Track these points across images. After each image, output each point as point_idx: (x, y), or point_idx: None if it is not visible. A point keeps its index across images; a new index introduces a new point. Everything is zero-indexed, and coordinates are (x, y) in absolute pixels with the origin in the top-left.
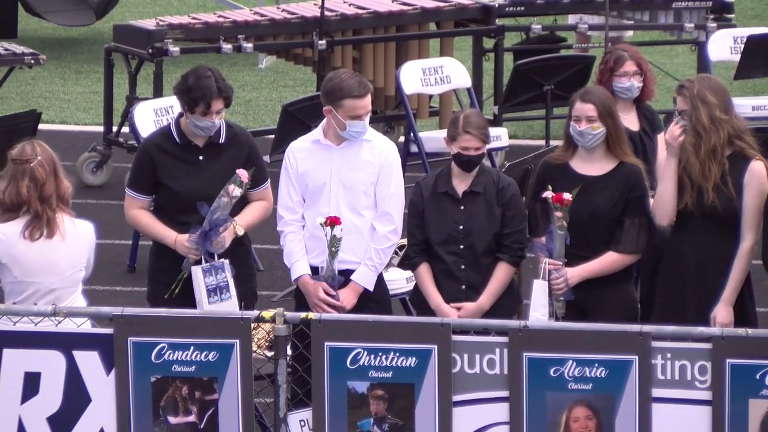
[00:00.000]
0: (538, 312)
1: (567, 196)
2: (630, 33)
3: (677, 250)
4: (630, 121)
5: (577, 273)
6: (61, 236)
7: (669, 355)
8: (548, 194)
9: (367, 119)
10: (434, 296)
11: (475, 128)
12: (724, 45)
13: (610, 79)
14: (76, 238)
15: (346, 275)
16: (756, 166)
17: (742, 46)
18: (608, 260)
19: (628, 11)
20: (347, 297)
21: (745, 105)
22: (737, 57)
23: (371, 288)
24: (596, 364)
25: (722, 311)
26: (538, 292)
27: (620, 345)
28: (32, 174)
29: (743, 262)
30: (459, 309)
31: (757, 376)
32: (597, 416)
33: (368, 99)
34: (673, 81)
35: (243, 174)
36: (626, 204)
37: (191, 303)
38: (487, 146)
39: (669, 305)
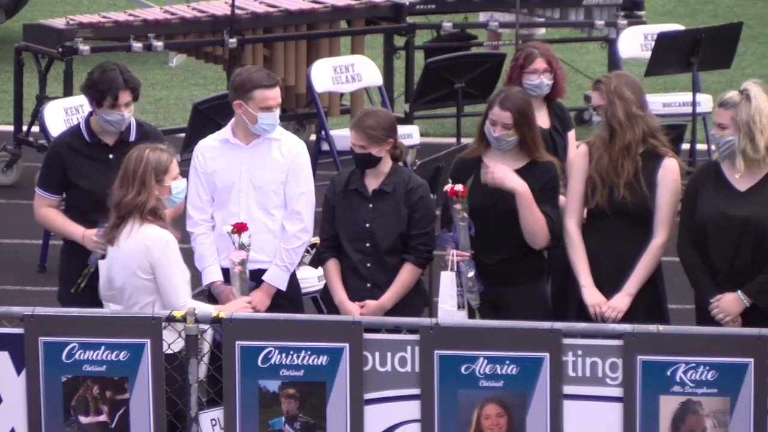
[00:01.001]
0: (447, 303)
1: (459, 187)
2: (541, 30)
3: (592, 248)
4: (541, 118)
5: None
6: (118, 242)
7: (580, 352)
8: (447, 187)
9: (277, 113)
10: (339, 292)
11: (361, 127)
12: (635, 42)
13: (521, 76)
14: (130, 243)
15: (258, 275)
16: (669, 163)
17: (653, 43)
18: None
19: (539, 9)
20: (260, 299)
21: (656, 102)
22: (648, 54)
23: (283, 288)
24: (507, 362)
25: (619, 299)
26: (446, 284)
27: (531, 342)
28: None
29: (651, 257)
30: (362, 307)
31: (668, 373)
32: (508, 413)
33: (278, 91)
34: (584, 78)
35: None
36: (540, 193)
37: (97, 298)
38: (377, 149)
39: (585, 303)
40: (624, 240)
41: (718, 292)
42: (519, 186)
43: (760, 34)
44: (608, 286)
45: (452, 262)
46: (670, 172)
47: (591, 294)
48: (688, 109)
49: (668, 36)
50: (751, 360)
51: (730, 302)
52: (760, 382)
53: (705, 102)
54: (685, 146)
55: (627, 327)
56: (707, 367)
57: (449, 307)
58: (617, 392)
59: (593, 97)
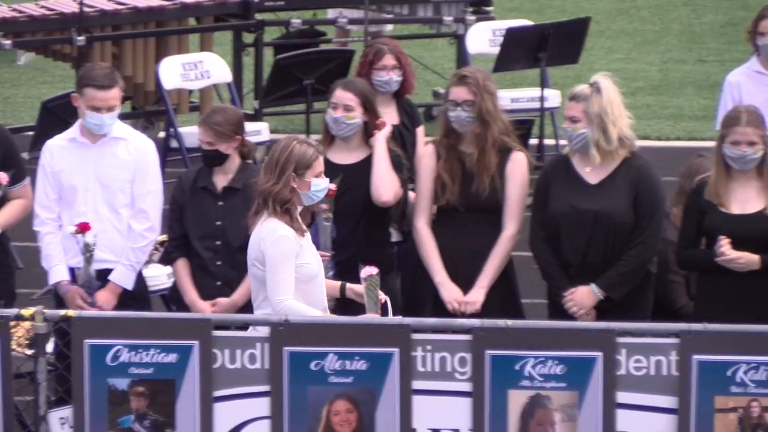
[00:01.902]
0: None
1: (331, 186)
2: (390, 27)
3: (445, 245)
4: (390, 114)
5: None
6: (252, 230)
7: (429, 347)
8: None
9: (109, 115)
10: (189, 292)
11: (209, 124)
12: (483, 38)
13: (370, 72)
14: (255, 233)
15: (105, 274)
16: (518, 156)
17: (501, 38)
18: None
19: (387, 5)
20: (106, 299)
21: (505, 97)
22: (496, 50)
23: (130, 287)
24: (357, 357)
25: (474, 293)
26: None
27: (381, 338)
28: None
29: (502, 249)
30: (214, 305)
31: (517, 367)
32: (358, 409)
33: (111, 94)
34: (432, 75)
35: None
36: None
37: None
38: (225, 145)
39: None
40: (478, 235)
41: (571, 285)
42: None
43: (608, 29)
44: (465, 281)
45: None
46: (518, 165)
47: (448, 290)
48: (537, 105)
49: (516, 31)
50: (600, 354)
51: (583, 295)
52: (608, 376)
53: (553, 97)
54: (534, 141)
55: (475, 322)
56: (555, 362)
57: None
58: (466, 387)
59: (458, 92)
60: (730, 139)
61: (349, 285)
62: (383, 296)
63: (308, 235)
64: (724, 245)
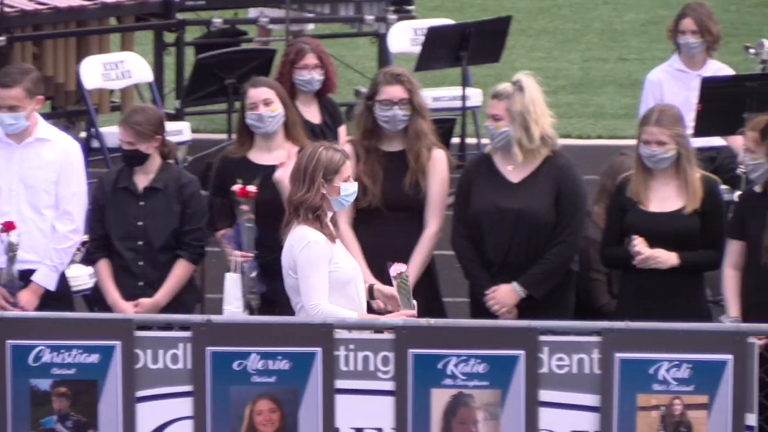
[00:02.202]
0: (232, 305)
1: (252, 188)
2: (311, 26)
3: (368, 244)
4: (311, 113)
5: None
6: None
7: (352, 347)
8: (235, 188)
9: (9, 115)
10: (111, 292)
11: (129, 123)
12: (405, 37)
13: (291, 71)
14: (287, 242)
15: (28, 275)
16: (437, 154)
17: (423, 37)
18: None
19: (308, 4)
20: (28, 299)
21: (426, 96)
22: (418, 48)
23: (53, 288)
24: (280, 357)
25: None
26: (231, 285)
27: (304, 337)
28: None
29: (425, 247)
30: (137, 305)
31: (439, 366)
32: (281, 409)
33: (10, 93)
34: (354, 74)
35: None
36: None
37: None
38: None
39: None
40: (401, 233)
41: (493, 284)
42: None
43: (529, 27)
44: (390, 280)
45: (236, 263)
46: (438, 163)
47: (376, 289)
48: (458, 104)
49: (438, 30)
50: (522, 352)
51: (505, 294)
52: (531, 374)
53: (475, 96)
54: (455, 140)
55: (398, 320)
56: (478, 360)
57: (234, 308)
58: (389, 386)
59: (394, 91)
60: (642, 138)
61: (377, 286)
62: (413, 302)
63: (339, 240)
64: (637, 244)
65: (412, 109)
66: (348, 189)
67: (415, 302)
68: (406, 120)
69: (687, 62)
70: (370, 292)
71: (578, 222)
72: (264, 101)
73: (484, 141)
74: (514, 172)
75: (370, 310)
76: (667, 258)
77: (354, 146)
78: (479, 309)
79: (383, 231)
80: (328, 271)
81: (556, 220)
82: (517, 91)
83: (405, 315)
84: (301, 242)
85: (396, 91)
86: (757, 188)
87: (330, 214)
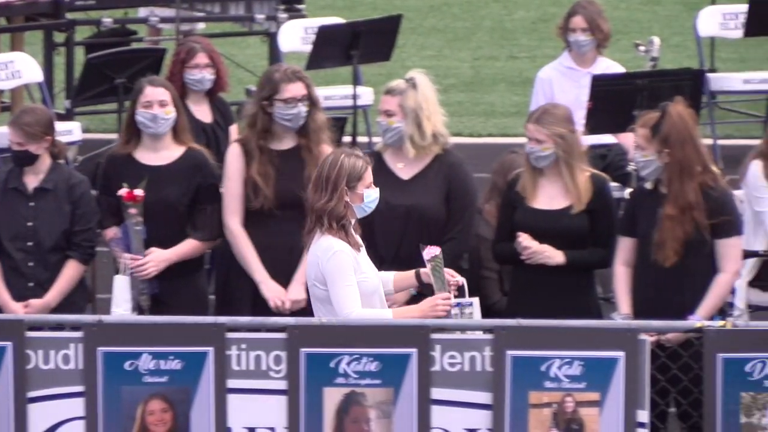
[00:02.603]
0: (121, 307)
1: (139, 192)
2: (201, 25)
3: (261, 244)
4: (202, 113)
5: (164, 257)
6: (308, 249)
7: (244, 346)
8: (122, 192)
9: None
10: (1, 293)
11: (19, 124)
12: (295, 36)
13: (182, 71)
14: (311, 253)
15: None
16: (327, 150)
17: (314, 36)
18: (189, 247)
19: (198, 3)
20: None
21: (318, 95)
22: (309, 47)
23: None
24: (171, 357)
25: (294, 290)
26: (120, 288)
27: (196, 337)
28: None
29: None
30: (27, 306)
31: (332, 365)
32: (173, 409)
33: None
34: (244, 73)
35: None
36: (199, 191)
37: None
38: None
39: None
40: (294, 232)
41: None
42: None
43: (419, 26)
44: (285, 278)
45: (125, 265)
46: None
47: (269, 288)
48: (349, 102)
49: (328, 29)
50: (414, 350)
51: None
52: (423, 373)
53: (366, 94)
54: (347, 138)
55: (290, 320)
56: (370, 359)
57: (123, 311)
58: (282, 385)
59: (295, 89)
60: (525, 135)
61: (423, 270)
62: (461, 279)
63: (363, 249)
64: (523, 241)
65: (311, 105)
66: (371, 195)
67: (462, 279)
68: (306, 117)
69: (577, 60)
70: (418, 278)
71: (469, 219)
72: (160, 102)
73: (376, 139)
74: (404, 169)
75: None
76: (554, 254)
77: (244, 146)
78: None
79: (276, 230)
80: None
81: (446, 217)
82: (410, 87)
83: (441, 299)
84: (327, 253)
85: (298, 89)
86: (648, 185)
87: (353, 222)
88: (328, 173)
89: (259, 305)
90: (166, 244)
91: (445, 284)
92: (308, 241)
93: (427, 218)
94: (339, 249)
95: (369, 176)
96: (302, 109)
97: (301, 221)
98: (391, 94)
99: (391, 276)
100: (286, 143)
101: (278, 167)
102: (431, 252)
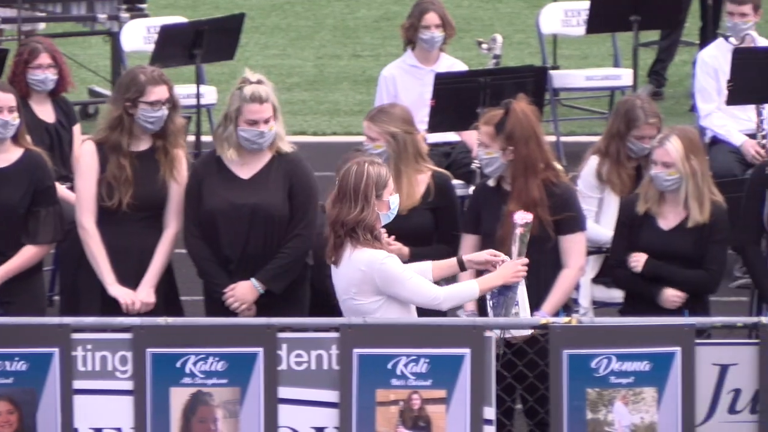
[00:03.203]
0: None
1: None
2: (43, 25)
3: (113, 244)
4: (46, 113)
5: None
6: (339, 264)
7: (90, 347)
8: None
9: None
10: None
11: None
12: (138, 35)
13: (25, 71)
14: (346, 267)
15: None
16: (179, 154)
17: (156, 35)
18: (25, 257)
19: (40, 3)
20: None
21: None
22: (151, 47)
23: None
24: (17, 358)
25: (143, 292)
26: None
27: (40, 338)
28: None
29: (166, 248)
30: None
31: (178, 365)
32: (19, 410)
33: None
34: (87, 73)
35: None
36: (35, 195)
37: None
38: None
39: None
40: (146, 234)
41: (231, 281)
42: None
43: (262, 24)
44: (136, 280)
45: None
46: (179, 162)
47: (119, 290)
48: (193, 101)
49: (171, 28)
50: (261, 349)
51: (244, 290)
52: (269, 371)
53: (209, 93)
54: (191, 138)
55: (136, 320)
56: (216, 358)
57: None
58: (128, 385)
59: (161, 91)
60: None
61: (467, 258)
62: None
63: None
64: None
65: (171, 108)
66: (395, 201)
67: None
68: (164, 118)
69: (421, 58)
70: (461, 265)
71: (312, 215)
72: (9, 108)
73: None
74: (244, 168)
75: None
76: (401, 253)
77: (99, 145)
78: (215, 307)
79: (129, 232)
80: None
81: (290, 214)
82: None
83: (520, 264)
84: (375, 264)
85: (163, 92)
86: (491, 182)
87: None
88: (355, 185)
89: (109, 305)
90: (7, 249)
91: (524, 251)
92: (337, 258)
93: (272, 216)
94: (385, 256)
95: (391, 182)
96: (165, 112)
97: (155, 223)
98: (261, 103)
99: (429, 266)
100: (142, 144)
101: (134, 168)
102: (525, 218)
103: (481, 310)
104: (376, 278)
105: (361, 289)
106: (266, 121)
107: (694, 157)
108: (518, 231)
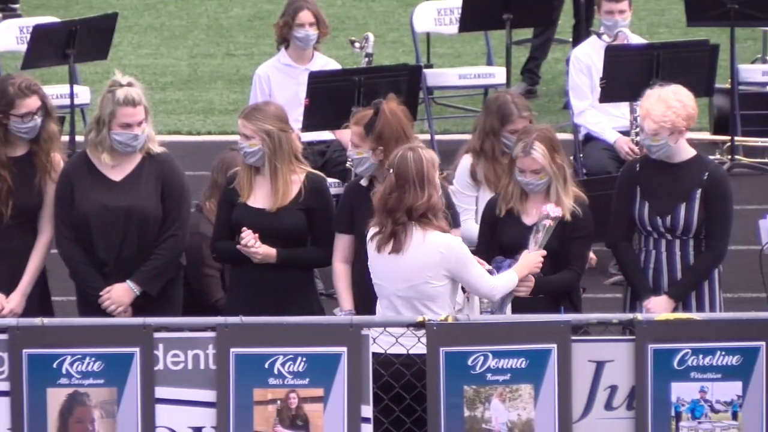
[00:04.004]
0: None
1: None
2: None
3: None
4: None
5: None
6: (405, 250)
7: None
8: None
9: None
10: None
11: None
12: (10, 35)
13: None
14: (418, 252)
15: None
16: (56, 158)
17: (29, 35)
18: None
19: None
20: None
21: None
22: (24, 47)
23: None
24: None
25: (14, 300)
26: None
27: None
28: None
29: (40, 255)
30: None
31: (54, 365)
32: None
33: None
34: None
35: None
36: None
37: None
38: None
39: None
40: (21, 238)
41: (106, 283)
42: None
43: (135, 24)
44: (9, 284)
45: None
46: (57, 166)
47: None
48: (67, 101)
49: (44, 28)
50: (137, 349)
51: (120, 292)
52: (146, 372)
53: (83, 93)
54: (65, 138)
55: (11, 321)
56: (93, 359)
57: None
58: (4, 386)
59: (32, 102)
60: None
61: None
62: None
63: None
64: (245, 237)
65: (45, 114)
66: (440, 182)
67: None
68: (38, 127)
69: (295, 57)
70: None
71: (185, 215)
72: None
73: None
74: (114, 170)
75: None
76: (267, 254)
77: None
78: (89, 308)
79: (4, 235)
80: None
81: (163, 215)
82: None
83: (542, 255)
84: (454, 246)
85: (33, 102)
86: (363, 182)
87: None
88: (418, 170)
89: None
90: None
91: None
92: (398, 244)
93: (146, 218)
94: (460, 239)
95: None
96: (38, 120)
97: (30, 227)
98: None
99: None
100: (19, 150)
101: (12, 175)
102: (557, 211)
103: None
104: (453, 260)
105: (437, 272)
106: (139, 124)
107: (558, 155)
108: (548, 223)
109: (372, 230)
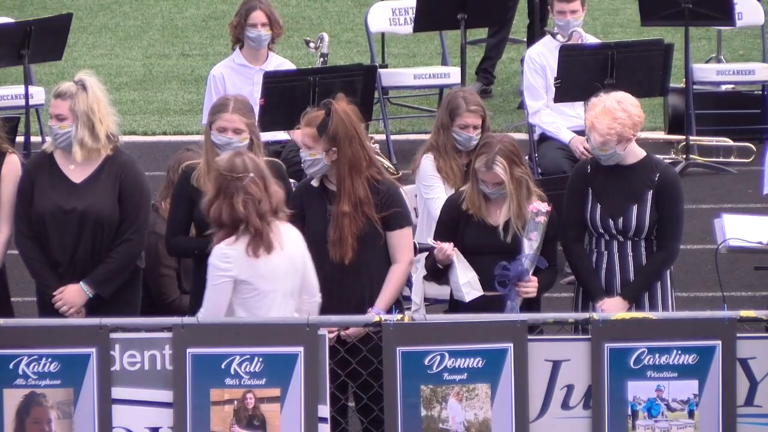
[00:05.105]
0: None
1: None
2: None
3: None
4: None
5: None
6: (280, 246)
7: None
8: None
9: None
10: None
11: None
12: None
13: None
14: (290, 244)
15: None
16: (11, 158)
17: None
18: None
19: None
20: None
21: None
22: None
23: None
24: None
25: None
26: None
27: None
28: (246, 191)
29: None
30: None
31: (11, 366)
32: None
33: None
34: None
35: None
36: None
37: None
38: None
39: None
40: None
41: (61, 284)
42: None
43: (90, 24)
44: None
45: None
46: (12, 166)
47: None
48: (21, 102)
49: None
50: (93, 350)
51: (73, 293)
52: (103, 372)
53: (38, 94)
54: (20, 139)
55: None
56: (50, 359)
57: None
58: None
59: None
60: (216, 126)
61: None
62: None
63: None
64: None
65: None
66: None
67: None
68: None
69: (249, 57)
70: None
71: (143, 219)
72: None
73: (49, 139)
74: (75, 171)
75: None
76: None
77: None
78: (47, 308)
79: None
80: None
81: (120, 218)
82: (80, 90)
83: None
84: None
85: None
86: (314, 182)
87: None
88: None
89: None
90: None
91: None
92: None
93: (102, 221)
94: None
95: None
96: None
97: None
98: (60, 98)
99: None
100: None
101: None
102: (546, 207)
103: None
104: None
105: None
106: (61, 120)
107: (518, 168)
108: (541, 219)
109: (240, 243)
